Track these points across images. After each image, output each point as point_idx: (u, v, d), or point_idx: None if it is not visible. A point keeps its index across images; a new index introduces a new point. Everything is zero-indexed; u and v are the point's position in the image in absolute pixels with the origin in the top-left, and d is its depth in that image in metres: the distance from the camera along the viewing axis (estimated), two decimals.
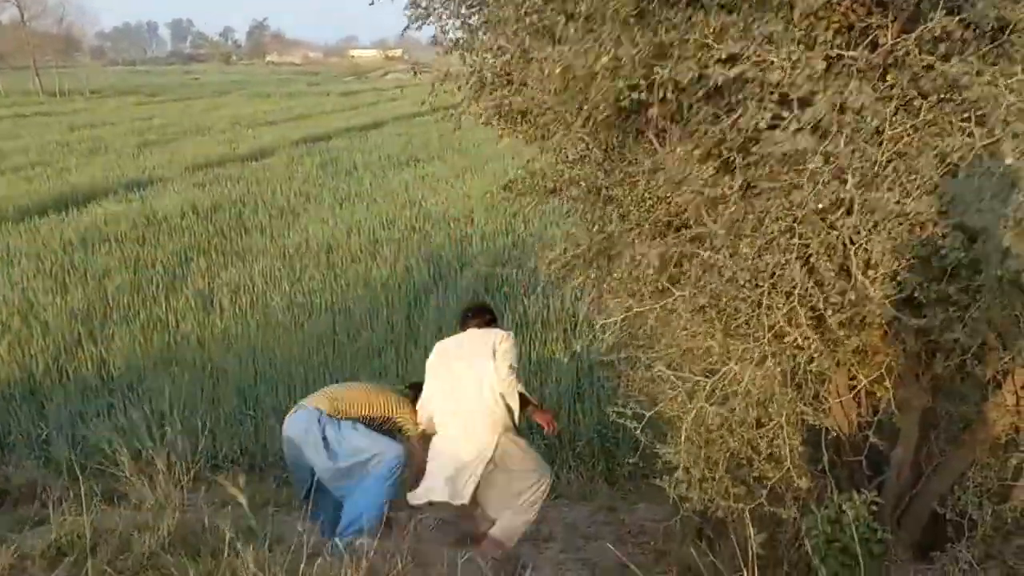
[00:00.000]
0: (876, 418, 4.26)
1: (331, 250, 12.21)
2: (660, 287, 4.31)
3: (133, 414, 6.17)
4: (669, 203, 3.94)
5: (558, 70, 3.39)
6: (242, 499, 3.15)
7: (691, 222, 3.89)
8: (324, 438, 4.34)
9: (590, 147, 4.19)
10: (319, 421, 4.37)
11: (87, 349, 8.47)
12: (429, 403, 4.54)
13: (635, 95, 3.31)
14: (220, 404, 7.14)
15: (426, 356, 8.16)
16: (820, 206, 3.07)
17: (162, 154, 21.84)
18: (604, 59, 3.17)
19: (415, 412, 4.57)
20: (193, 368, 7.99)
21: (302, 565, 3.07)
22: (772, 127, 3.05)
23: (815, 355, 3.42)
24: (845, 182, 3.02)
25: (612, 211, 4.33)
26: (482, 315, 4.78)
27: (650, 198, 4.04)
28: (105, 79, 59.36)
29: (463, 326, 4.76)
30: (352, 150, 22.55)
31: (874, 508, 3.59)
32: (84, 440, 6.41)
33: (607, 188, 4.41)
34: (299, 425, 4.43)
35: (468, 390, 4.37)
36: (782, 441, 3.49)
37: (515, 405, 4.43)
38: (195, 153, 21.83)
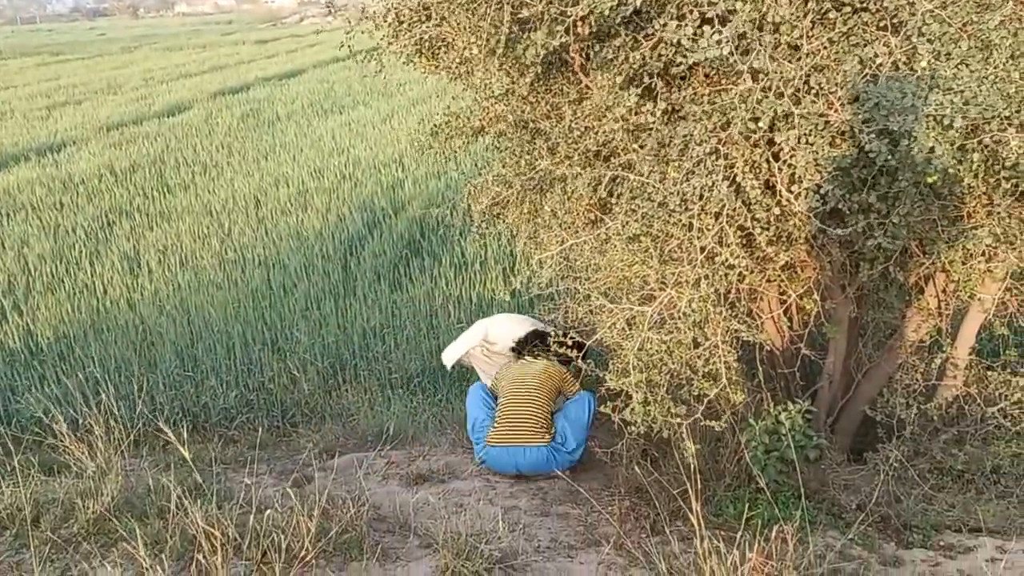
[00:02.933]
0: (807, 330, 4.40)
1: (259, 204, 11.93)
2: (593, 218, 4.34)
3: (67, 383, 6.00)
4: (596, 132, 3.94)
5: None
6: (185, 452, 3.11)
7: (620, 150, 3.90)
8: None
9: (515, 80, 4.13)
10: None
11: (12, 321, 8.17)
12: None
13: (553, 42, 3.31)
14: (157, 367, 6.99)
15: (365, 305, 8.23)
16: (760, 124, 3.09)
17: (73, 115, 20.87)
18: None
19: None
20: (125, 332, 7.79)
21: (251, 519, 3.06)
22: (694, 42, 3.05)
23: (746, 273, 3.49)
24: (780, 95, 3.05)
25: (541, 145, 4.31)
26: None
27: (577, 129, 4.03)
28: (4, 39, 56.14)
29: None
30: (273, 100, 21.91)
31: (808, 416, 3.73)
32: (17, 413, 6.23)
33: (534, 121, 4.38)
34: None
35: None
36: (718, 359, 3.58)
37: None
38: (108, 112, 20.93)
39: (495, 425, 4.65)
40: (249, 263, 9.63)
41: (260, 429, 5.63)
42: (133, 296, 8.88)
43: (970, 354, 4.20)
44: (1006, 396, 3.84)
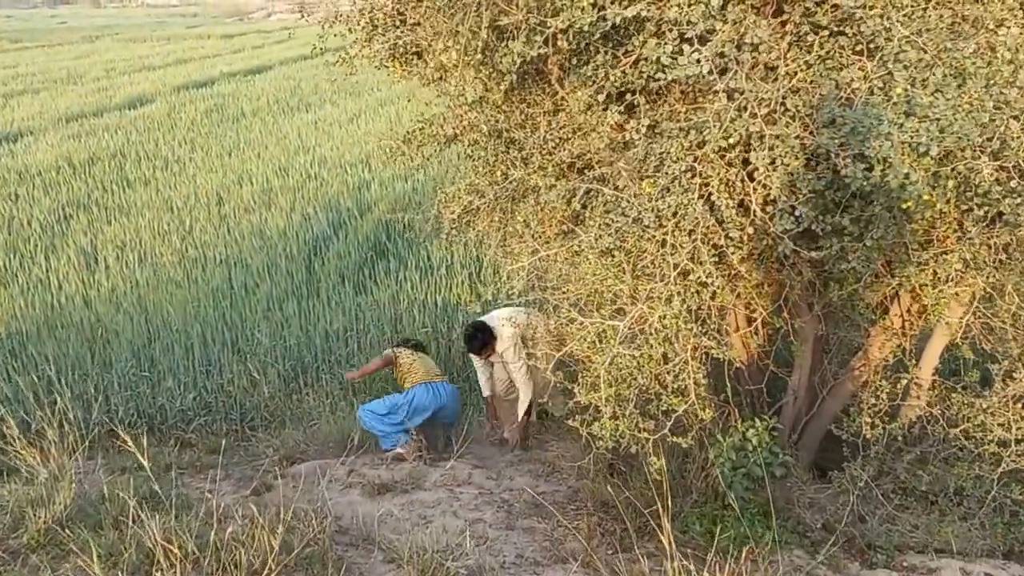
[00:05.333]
0: (773, 347, 4.41)
1: (222, 201, 11.73)
2: (566, 230, 4.31)
3: (18, 381, 5.82)
4: (572, 144, 3.91)
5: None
6: (144, 460, 3.00)
7: (595, 163, 3.87)
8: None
9: (489, 88, 4.09)
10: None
11: None
12: None
13: (531, 52, 3.29)
14: (112, 367, 6.81)
15: (328, 307, 8.12)
16: (731, 141, 3.08)
17: (31, 105, 20.35)
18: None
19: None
20: (80, 330, 7.58)
21: (212, 533, 2.97)
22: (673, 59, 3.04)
23: (718, 291, 3.48)
24: (754, 116, 3.04)
25: (514, 155, 4.27)
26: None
27: (552, 140, 4.00)
28: None
29: None
30: (239, 95, 21.58)
31: (774, 433, 3.74)
32: None
33: (508, 131, 4.34)
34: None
35: None
36: (687, 375, 3.56)
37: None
38: (68, 103, 20.45)
39: (413, 375, 5.39)
40: (210, 261, 9.45)
41: (220, 436, 5.51)
42: (89, 292, 8.67)
43: (933, 375, 4.24)
44: (968, 418, 3.88)
